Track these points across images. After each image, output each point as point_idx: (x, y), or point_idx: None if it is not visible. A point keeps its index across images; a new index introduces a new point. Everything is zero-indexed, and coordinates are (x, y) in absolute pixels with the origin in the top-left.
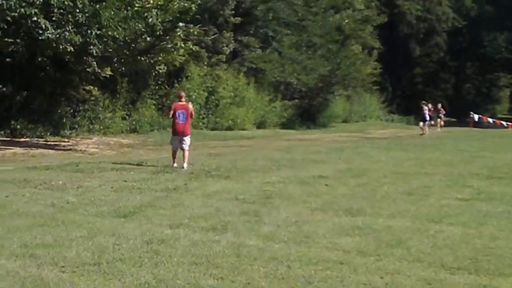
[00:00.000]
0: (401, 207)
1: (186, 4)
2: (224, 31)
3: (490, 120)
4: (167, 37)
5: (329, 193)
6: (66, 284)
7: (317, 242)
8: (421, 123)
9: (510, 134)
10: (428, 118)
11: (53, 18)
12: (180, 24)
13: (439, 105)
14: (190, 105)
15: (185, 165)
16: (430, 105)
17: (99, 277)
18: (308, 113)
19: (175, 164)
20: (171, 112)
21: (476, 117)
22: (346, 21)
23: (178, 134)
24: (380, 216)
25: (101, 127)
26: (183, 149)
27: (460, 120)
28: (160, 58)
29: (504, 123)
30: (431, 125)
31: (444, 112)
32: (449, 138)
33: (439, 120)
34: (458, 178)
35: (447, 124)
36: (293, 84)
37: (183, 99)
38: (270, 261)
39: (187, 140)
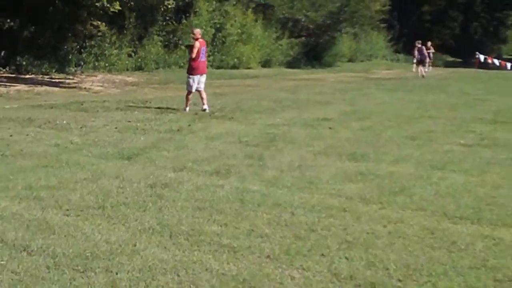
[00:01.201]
0: (404, 152)
1: None
2: None
3: (496, 61)
4: None
5: (333, 137)
6: (70, 228)
7: (320, 188)
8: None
9: None
10: (418, 57)
11: None
12: None
13: (429, 43)
14: None
15: (206, 106)
16: (419, 45)
17: (103, 221)
18: (314, 51)
19: (188, 108)
20: (196, 50)
21: (482, 57)
22: None
23: (200, 73)
24: (383, 162)
25: (107, 64)
26: (200, 90)
27: (466, 61)
28: None
29: (509, 65)
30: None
31: (433, 51)
32: (454, 79)
33: (428, 60)
34: (462, 123)
35: (449, 64)
36: (301, 21)
37: (200, 35)
38: (274, 207)
39: (204, 78)
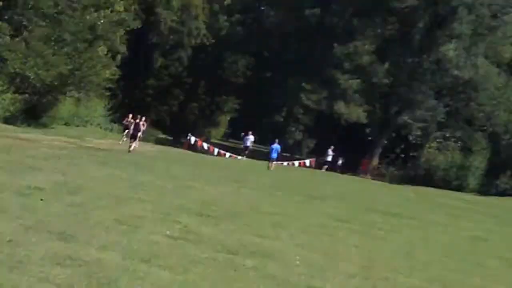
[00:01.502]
0: (112, 237)
1: None
2: None
3: (205, 145)
4: None
5: (44, 210)
6: None
7: (30, 270)
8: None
9: (220, 163)
10: (131, 132)
11: None
12: None
13: (143, 119)
14: None
15: None
16: (136, 120)
17: None
18: (34, 110)
19: None
20: None
21: (192, 139)
22: (102, 21)
23: None
24: (92, 246)
25: None
26: None
27: (176, 140)
28: None
29: (216, 150)
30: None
31: (145, 127)
32: (164, 159)
33: (140, 135)
34: (169, 211)
35: (160, 141)
36: (29, 78)
37: None
38: None
39: None
